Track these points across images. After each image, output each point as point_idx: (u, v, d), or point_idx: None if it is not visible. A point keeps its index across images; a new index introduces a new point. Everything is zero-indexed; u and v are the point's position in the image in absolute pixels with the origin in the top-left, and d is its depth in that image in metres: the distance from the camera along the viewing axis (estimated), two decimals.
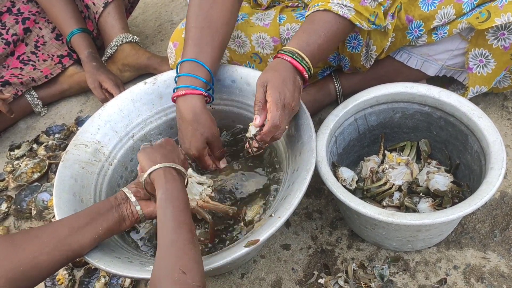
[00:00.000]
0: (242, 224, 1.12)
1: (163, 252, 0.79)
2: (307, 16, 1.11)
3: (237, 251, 0.90)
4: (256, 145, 1.03)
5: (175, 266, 0.75)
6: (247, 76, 1.24)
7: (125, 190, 0.97)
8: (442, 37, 1.23)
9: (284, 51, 1.05)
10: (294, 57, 1.04)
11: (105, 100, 1.60)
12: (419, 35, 1.24)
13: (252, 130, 1.04)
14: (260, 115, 1.01)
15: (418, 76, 1.36)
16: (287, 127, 1.03)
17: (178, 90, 1.12)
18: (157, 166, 0.92)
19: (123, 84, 1.65)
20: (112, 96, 1.58)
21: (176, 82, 1.15)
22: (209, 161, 1.17)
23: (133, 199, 0.96)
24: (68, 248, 0.88)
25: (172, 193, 0.88)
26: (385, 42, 1.25)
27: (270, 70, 1.04)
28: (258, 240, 0.89)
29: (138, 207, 0.96)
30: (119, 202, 0.96)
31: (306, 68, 1.05)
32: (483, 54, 1.23)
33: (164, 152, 0.96)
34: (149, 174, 0.92)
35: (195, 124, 1.10)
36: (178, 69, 1.15)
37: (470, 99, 1.26)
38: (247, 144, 1.05)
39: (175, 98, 1.13)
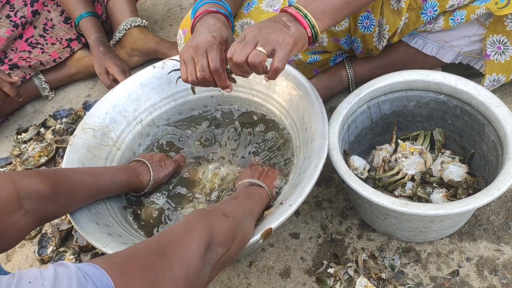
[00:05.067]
0: None
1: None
2: None
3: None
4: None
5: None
6: None
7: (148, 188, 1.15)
8: (459, 22, 1.20)
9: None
10: (287, 5, 0.99)
11: (110, 87, 1.58)
12: (434, 15, 1.20)
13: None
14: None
15: (433, 63, 1.33)
16: (261, 49, 0.91)
17: (202, 9, 1.08)
18: (247, 181, 1.09)
19: (129, 70, 1.63)
20: (118, 82, 1.56)
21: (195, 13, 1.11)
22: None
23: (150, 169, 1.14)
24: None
25: (243, 196, 1.01)
26: (398, 21, 1.21)
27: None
28: (271, 228, 0.88)
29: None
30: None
31: (303, 14, 0.95)
32: (501, 40, 1.19)
33: (259, 174, 1.12)
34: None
35: (217, 29, 1.02)
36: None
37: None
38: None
39: (196, 21, 1.08)
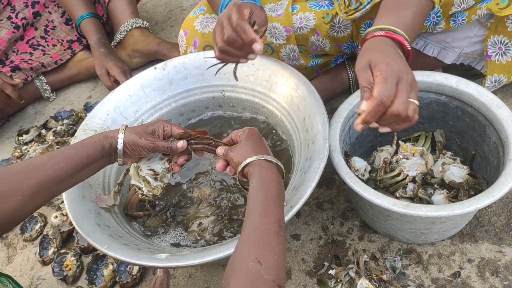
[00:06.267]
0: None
1: (243, 239, 0.76)
2: None
3: None
4: (359, 127, 0.86)
5: (251, 254, 0.71)
6: (258, 63, 1.22)
7: (119, 145, 0.95)
8: (460, 24, 1.20)
9: (374, 30, 0.92)
10: (387, 30, 0.91)
11: (111, 88, 1.58)
12: (437, 21, 1.20)
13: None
14: (367, 100, 0.84)
15: (434, 65, 1.32)
16: (416, 102, 0.83)
17: None
18: (253, 158, 0.87)
19: (130, 72, 1.63)
20: (119, 84, 1.56)
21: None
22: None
23: (120, 158, 0.96)
24: (53, 191, 0.89)
25: (264, 183, 0.84)
26: None
27: (365, 52, 0.90)
28: None
29: (121, 162, 0.97)
30: (111, 153, 0.95)
31: (404, 38, 0.91)
32: (502, 41, 1.19)
33: (255, 145, 0.92)
34: (244, 167, 0.88)
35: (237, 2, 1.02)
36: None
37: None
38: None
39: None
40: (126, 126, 0.97)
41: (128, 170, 1.07)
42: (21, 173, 0.86)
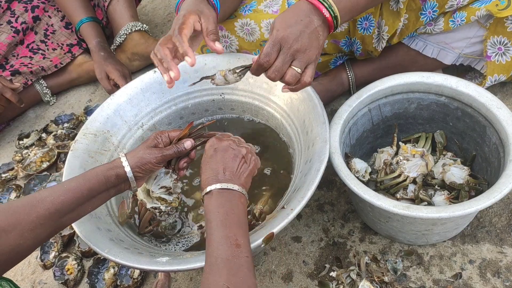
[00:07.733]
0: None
1: (207, 270, 0.78)
2: None
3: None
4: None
5: (218, 283, 0.74)
6: None
7: (128, 173, 0.92)
8: (459, 24, 1.20)
9: None
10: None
11: (111, 92, 1.59)
12: (433, 16, 1.20)
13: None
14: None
15: (433, 65, 1.32)
16: (298, 69, 0.92)
17: None
18: (213, 187, 0.87)
19: (130, 75, 1.64)
20: (118, 87, 1.56)
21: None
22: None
23: (133, 184, 0.93)
24: (55, 225, 0.86)
25: (219, 210, 0.85)
26: (397, 22, 1.21)
27: (284, 11, 0.96)
28: (273, 233, 0.87)
29: (135, 188, 0.95)
30: (118, 183, 0.92)
31: (327, 5, 0.94)
32: (502, 42, 1.19)
33: (212, 169, 0.90)
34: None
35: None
36: None
37: (488, 89, 1.22)
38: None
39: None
40: (123, 153, 0.95)
41: (134, 196, 1.07)
42: (21, 207, 0.84)
